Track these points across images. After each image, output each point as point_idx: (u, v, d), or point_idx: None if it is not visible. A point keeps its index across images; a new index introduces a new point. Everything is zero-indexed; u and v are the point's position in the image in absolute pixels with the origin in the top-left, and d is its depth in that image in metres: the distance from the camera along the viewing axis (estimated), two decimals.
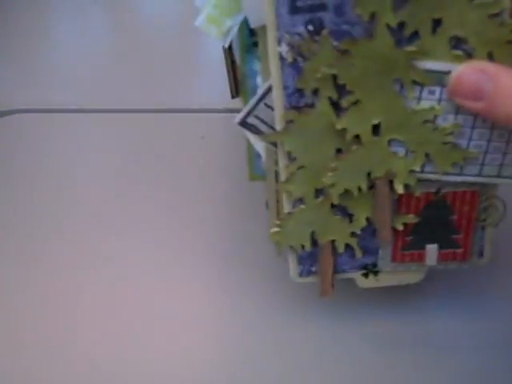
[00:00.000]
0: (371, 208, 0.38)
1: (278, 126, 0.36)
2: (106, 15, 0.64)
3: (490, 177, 0.37)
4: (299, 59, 0.34)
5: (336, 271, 0.41)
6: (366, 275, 0.42)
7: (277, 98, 0.35)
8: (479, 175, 0.37)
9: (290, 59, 0.34)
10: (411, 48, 0.33)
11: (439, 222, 0.39)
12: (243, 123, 0.38)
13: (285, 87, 0.35)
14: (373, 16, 0.33)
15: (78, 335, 0.43)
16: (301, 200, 0.38)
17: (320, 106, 0.35)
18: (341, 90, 0.35)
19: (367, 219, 0.39)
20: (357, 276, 0.42)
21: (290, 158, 0.37)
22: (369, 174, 0.37)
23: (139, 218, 0.52)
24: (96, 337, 0.43)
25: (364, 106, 0.35)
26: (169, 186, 0.54)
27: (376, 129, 0.35)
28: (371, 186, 0.37)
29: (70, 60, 0.63)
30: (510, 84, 0.31)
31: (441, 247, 0.40)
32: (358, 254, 0.40)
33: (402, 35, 0.33)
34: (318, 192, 0.38)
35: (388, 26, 0.33)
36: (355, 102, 0.35)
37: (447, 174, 0.37)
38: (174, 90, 0.59)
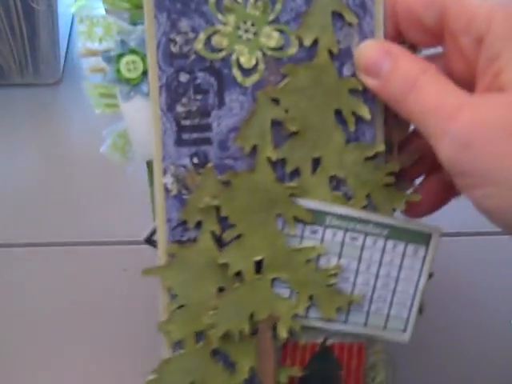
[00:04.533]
0: (255, 357, 0.36)
1: (161, 260, 0.35)
2: (35, 148, 0.65)
3: (376, 328, 0.36)
4: (184, 191, 0.35)
5: None
6: None
7: (160, 231, 0.35)
8: (365, 325, 0.36)
9: (174, 191, 0.35)
10: (291, 184, 0.34)
11: (327, 377, 0.37)
12: (149, 240, 0.37)
13: (168, 220, 0.35)
14: (254, 149, 0.34)
15: None
16: (181, 343, 0.36)
17: (202, 241, 0.35)
18: (224, 224, 0.35)
19: (251, 371, 0.36)
20: None
21: (171, 295, 0.35)
22: (252, 317, 0.35)
23: (63, 351, 0.50)
24: None
25: (246, 241, 0.34)
26: (93, 318, 0.52)
27: (259, 266, 0.35)
28: (255, 332, 0.36)
29: None
30: (407, 67, 0.31)
31: None
32: None
33: (284, 171, 0.34)
34: (199, 335, 0.36)
35: (269, 161, 0.34)
36: (238, 237, 0.35)
37: (332, 321, 0.36)
38: (95, 222, 0.59)
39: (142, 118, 0.35)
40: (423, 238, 0.35)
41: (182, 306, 0.35)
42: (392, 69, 0.31)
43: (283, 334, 0.35)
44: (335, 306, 0.36)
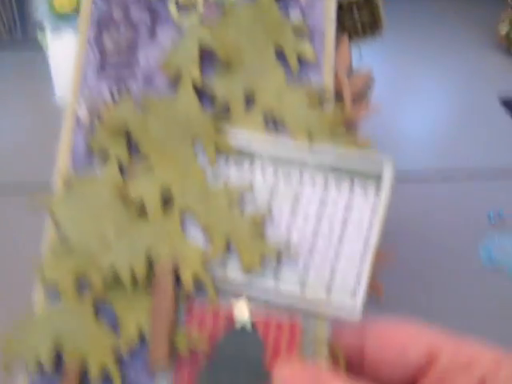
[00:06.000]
0: (144, 314, 0.27)
1: (57, 192, 0.30)
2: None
3: (317, 291, 0.28)
4: (96, 121, 0.31)
5: None
6: None
7: (61, 160, 0.30)
8: (303, 285, 0.28)
9: (87, 123, 0.31)
10: (219, 114, 0.30)
11: (244, 358, 0.27)
12: None
13: (74, 151, 0.31)
14: (179, 73, 0.31)
15: None
16: (58, 295, 0.28)
17: (108, 169, 0.30)
18: (133, 152, 0.30)
19: (139, 330, 0.27)
20: None
21: (59, 233, 0.29)
22: (150, 259, 0.28)
23: None
24: None
25: (157, 172, 0.29)
26: None
27: (168, 201, 0.29)
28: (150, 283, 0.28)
29: None
30: None
31: None
32: None
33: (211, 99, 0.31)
34: (82, 286, 0.28)
35: (195, 89, 0.30)
36: (148, 167, 0.29)
37: (258, 275, 0.28)
38: None
39: (69, 54, 0.33)
40: (373, 173, 0.29)
41: (67, 244, 0.28)
42: None
43: (186, 277, 0.27)
44: (258, 254, 0.28)
